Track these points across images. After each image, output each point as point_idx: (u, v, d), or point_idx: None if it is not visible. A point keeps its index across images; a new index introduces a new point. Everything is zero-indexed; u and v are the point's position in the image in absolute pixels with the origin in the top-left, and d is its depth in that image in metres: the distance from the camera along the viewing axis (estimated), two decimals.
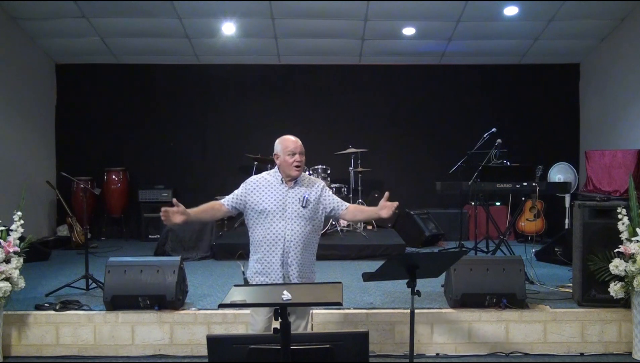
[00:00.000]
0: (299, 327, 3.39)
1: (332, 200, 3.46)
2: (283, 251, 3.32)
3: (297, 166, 3.38)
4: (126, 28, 7.65)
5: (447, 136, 8.72)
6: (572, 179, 7.29)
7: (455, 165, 6.51)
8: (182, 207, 3.23)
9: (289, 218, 3.34)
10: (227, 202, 3.52)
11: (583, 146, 8.61)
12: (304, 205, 3.36)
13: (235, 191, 3.56)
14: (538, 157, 7.31)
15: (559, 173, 7.65)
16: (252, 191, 3.47)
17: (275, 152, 3.49)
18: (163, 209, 3.19)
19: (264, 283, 3.35)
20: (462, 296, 4.47)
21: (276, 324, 2.28)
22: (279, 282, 3.31)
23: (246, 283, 3.42)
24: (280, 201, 3.38)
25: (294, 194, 3.39)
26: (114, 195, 8.44)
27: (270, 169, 8.37)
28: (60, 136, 8.70)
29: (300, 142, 3.45)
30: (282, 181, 3.43)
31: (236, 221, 8.16)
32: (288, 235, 3.32)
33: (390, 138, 8.87)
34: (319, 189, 3.45)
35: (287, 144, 3.42)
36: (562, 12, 7.15)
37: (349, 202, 8.04)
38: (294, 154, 3.38)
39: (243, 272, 3.36)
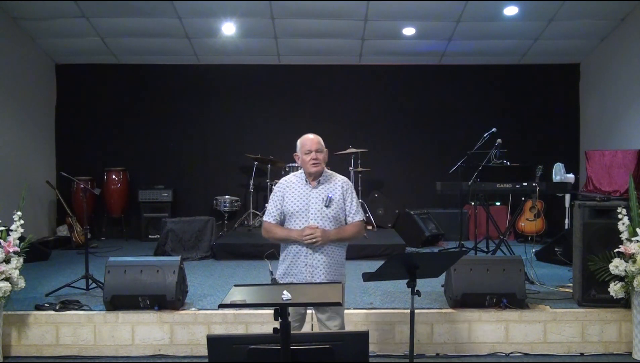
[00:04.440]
0: (334, 327, 3.37)
1: (349, 206, 3.42)
2: (307, 253, 3.31)
3: (313, 164, 3.35)
4: (126, 28, 7.65)
5: (447, 136, 8.72)
6: (565, 179, 7.27)
7: (455, 165, 6.51)
8: None
9: (312, 219, 3.33)
10: (273, 219, 3.44)
11: (583, 146, 8.61)
12: (326, 205, 3.34)
13: (272, 200, 3.48)
14: (538, 157, 7.31)
15: (555, 174, 7.66)
16: (283, 196, 3.43)
17: (295, 152, 3.48)
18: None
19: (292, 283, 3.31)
20: (462, 296, 4.47)
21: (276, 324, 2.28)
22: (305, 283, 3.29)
23: (274, 284, 3.34)
24: (304, 201, 3.37)
25: (317, 194, 3.38)
26: (114, 195, 8.44)
27: (271, 169, 8.41)
28: (60, 136, 8.70)
29: (318, 139, 3.43)
30: (306, 180, 3.42)
31: (236, 221, 8.17)
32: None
33: (390, 138, 8.87)
34: (344, 189, 3.42)
35: (304, 143, 3.41)
36: (562, 12, 7.15)
37: None
38: (310, 152, 3.36)
39: (271, 272, 3.30)
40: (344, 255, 3.48)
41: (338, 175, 3.52)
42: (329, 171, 3.51)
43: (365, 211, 8.06)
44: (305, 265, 3.33)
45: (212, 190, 8.55)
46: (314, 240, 3.25)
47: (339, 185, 3.43)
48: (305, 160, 3.38)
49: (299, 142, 3.46)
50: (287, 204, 3.39)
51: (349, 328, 4.39)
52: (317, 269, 3.32)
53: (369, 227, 8.10)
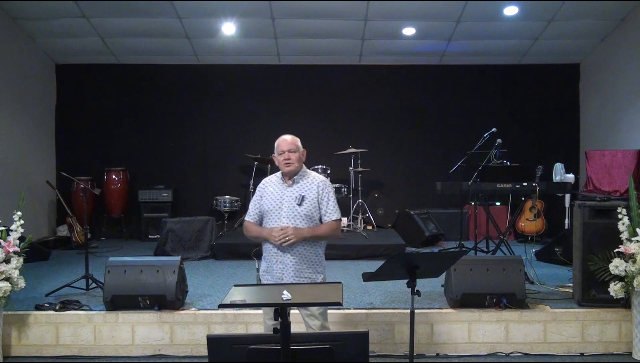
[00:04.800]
0: (313, 325, 3.39)
1: (325, 206, 3.45)
2: (279, 252, 3.38)
3: (286, 163, 3.44)
4: (126, 28, 7.65)
5: (447, 136, 8.72)
6: (565, 179, 7.29)
7: (455, 165, 6.51)
8: None
9: (284, 217, 3.39)
10: (252, 218, 3.56)
11: (583, 146, 8.61)
12: (298, 203, 3.40)
13: (252, 200, 3.62)
14: (538, 157, 7.31)
15: (555, 174, 7.67)
16: (262, 195, 3.55)
17: (273, 153, 3.60)
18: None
19: (270, 281, 3.41)
20: (462, 296, 4.47)
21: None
22: (279, 281, 3.36)
23: (258, 281, 3.51)
24: (278, 199, 3.44)
25: (291, 193, 3.44)
26: (114, 195, 8.44)
27: (271, 169, 8.42)
28: (60, 136, 8.70)
29: (293, 140, 3.50)
30: (282, 180, 3.50)
31: (236, 221, 8.17)
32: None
33: (390, 138, 8.87)
34: (320, 188, 3.46)
35: (278, 143, 3.52)
36: (562, 12, 7.16)
37: (349, 203, 8.07)
38: (283, 152, 3.45)
39: (257, 269, 3.45)
40: (320, 253, 3.49)
41: (316, 175, 3.56)
42: (308, 171, 3.56)
43: (365, 211, 8.07)
44: (277, 262, 3.40)
45: (212, 190, 8.55)
46: (286, 238, 3.28)
47: (315, 184, 3.47)
48: (279, 160, 3.48)
49: (275, 143, 3.55)
50: (264, 203, 3.49)
51: (349, 328, 4.40)
52: (287, 267, 3.37)
53: (369, 227, 8.11)
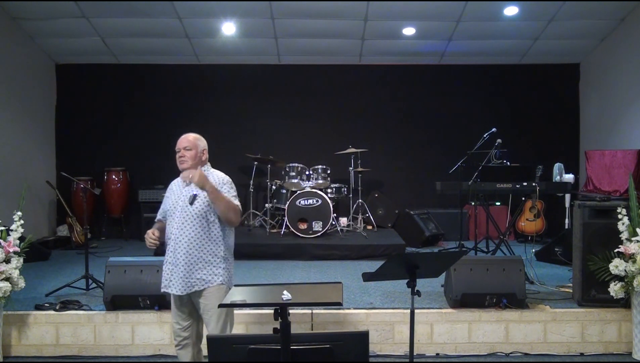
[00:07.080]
0: (208, 323, 3.32)
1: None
2: (172, 251, 3.32)
3: (179, 161, 3.39)
4: (126, 28, 7.65)
5: (447, 136, 8.72)
6: (565, 179, 7.28)
7: (455, 165, 6.51)
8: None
9: (177, 217, 3.31)
10: (158, 217, 3.57)
11: (583, 146, 8.62)
12: (190, 202, 3.28)
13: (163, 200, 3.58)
14: (538, 157, 7.30)
15: (555, 174, 7.67)
16: (167, 195, 3.50)
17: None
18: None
19: (164, 282, 3.35)
20: (462, 296, 4.47)
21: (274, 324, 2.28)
22: (167, 285, 3.32)
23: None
24: (175, 200, 3.38)
25: (187, 192, 3.34)
26: (114, 195, 8.44)
27: (271, 169, 8.39)
28: (60, 136, 8.70)
29: (191, 137, 3.43)
30: (182, 179, 3.44)
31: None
32: (174, 234, 3.31)
33: (390, 138, 8.87)
34: (216, 185, 3.31)
35: (178, 141, 3.44)
36: (562, 12, 7.16)
37: (349, 202, 8.06)
38: (178, 150, 3.40)
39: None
40: (216, 253, 3.33)
41: (218, 174, 3.44)
42: (211, 170, 3.46)
43: (365, 211, 8.07)
44: (166, 262, 3.35)
45: None
46: (190, 176, 3.21)
47: (216, 184, 3.32)
48: (176, 158, 3.41)
49: None
50: (166, 203, 3.46)
51: (349, 328, 4.40)
52: (177, 267, 3.29)
53: (369, 227, 8.11)
